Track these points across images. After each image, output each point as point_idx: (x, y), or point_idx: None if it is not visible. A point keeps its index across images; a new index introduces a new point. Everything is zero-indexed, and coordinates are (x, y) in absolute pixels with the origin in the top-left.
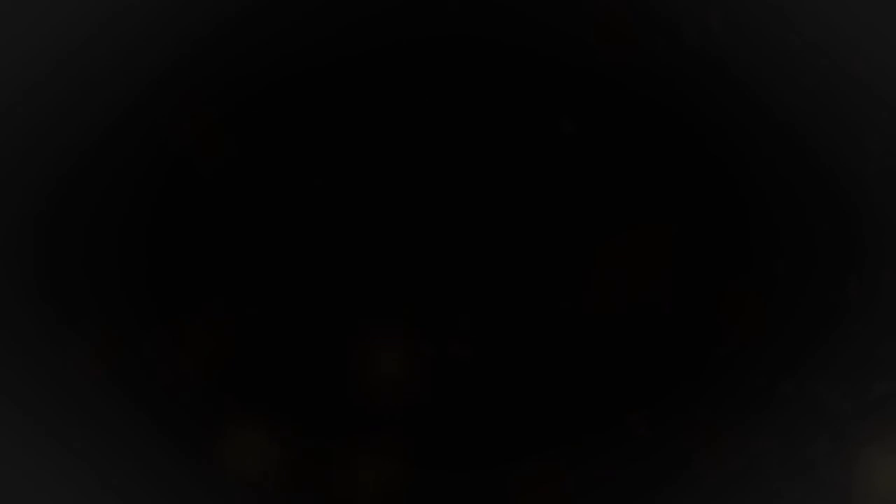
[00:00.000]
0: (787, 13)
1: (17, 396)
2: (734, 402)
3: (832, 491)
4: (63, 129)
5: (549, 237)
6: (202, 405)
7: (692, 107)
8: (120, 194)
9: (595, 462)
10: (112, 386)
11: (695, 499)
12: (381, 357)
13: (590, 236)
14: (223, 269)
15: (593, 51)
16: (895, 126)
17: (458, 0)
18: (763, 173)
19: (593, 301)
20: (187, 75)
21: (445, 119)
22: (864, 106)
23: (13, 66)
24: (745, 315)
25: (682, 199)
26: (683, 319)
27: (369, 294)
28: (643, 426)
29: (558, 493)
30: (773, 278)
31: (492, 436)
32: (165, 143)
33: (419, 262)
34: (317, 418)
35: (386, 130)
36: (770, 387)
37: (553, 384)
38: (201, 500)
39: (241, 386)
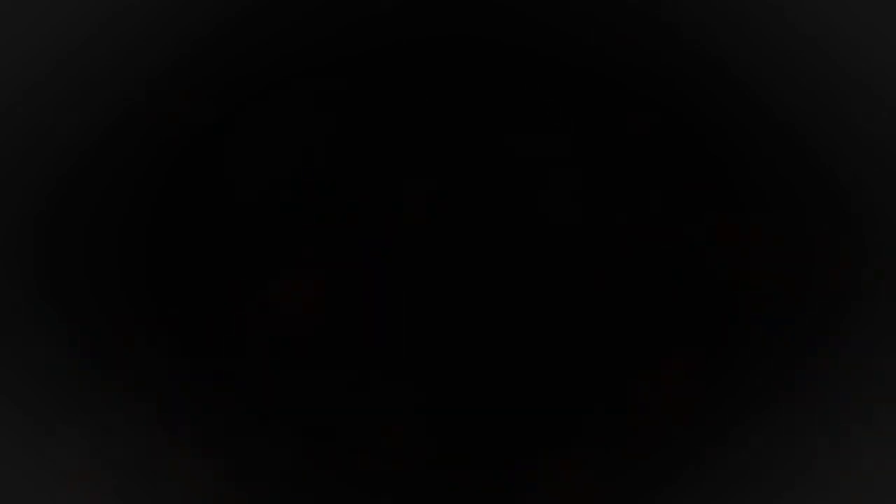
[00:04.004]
0: (787, 13)
1: (17, 396)
2: (734, 402)
3: (832, 491)
4: (63, 129)
5: (546, 239)
6: (201, 404)
7: (692, 107)
8: (120, 194)
9: (595, 462)
10: (112, 386)
11: (695, 499)
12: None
13: (588, 239)
14: (222, 269)
15: (593, 51)
16: (895, 126)
17: (458, 0)
18: (763, 173)
19: (589, 303)
20: (187, 75)
21: (444, 119)
22: (864, 106)
23: (13, 66)
24: (744, 315)
25: (681, 199)
26: (683, 318)
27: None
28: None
29: (557, 495)
30: (773, 278)
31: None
32: (165, 142)
33: (432, 313)
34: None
35: (385, 129)
36: (770, 387)
37: (550, 389)
38: (202, 499)
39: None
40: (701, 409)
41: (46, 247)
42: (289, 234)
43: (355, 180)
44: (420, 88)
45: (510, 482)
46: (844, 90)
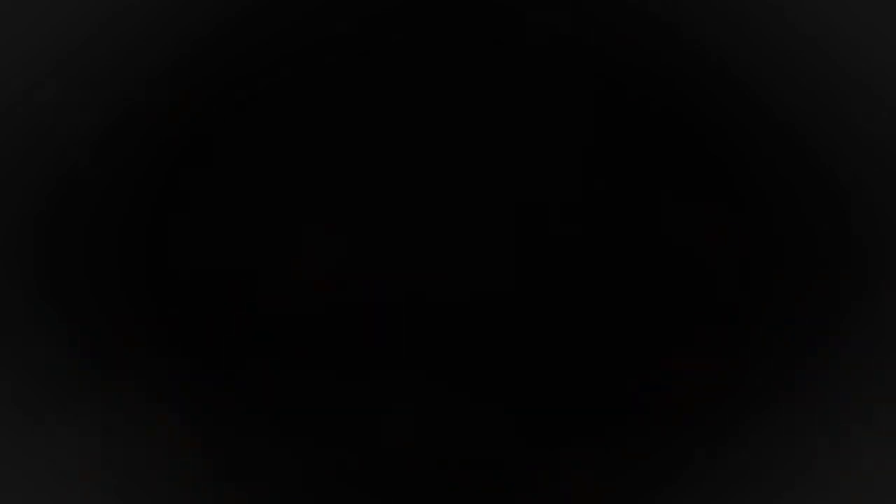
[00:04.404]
0: (787, 13)
1: (16, 396)
2: (734, 402)
3: (832, 491)
4: (62, 129)
5: (546, 240)
6: (202, 403)
7: (692, 107)
8: (120, 194)
9: (595, 462)
10: (112, 386)
11: (695, 499)
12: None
13: (589, 239)
14: (222, 269)
15: (594, 50)
16: (895, 126)
17: (458, 0)
18: (763, 173)
19: (590, 304)
20: (187, 75)
21: (444, 117)
22: (864, 106)
23: (13, 66)
24: (745, 315)
25: (681, 199)
26: (683, 318)
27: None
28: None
29: (557, 495)
30: (773, 278)
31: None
32: (165, 142)
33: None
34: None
35: (384, 129)
36: (770, 387)
37: (547, 392)
38: (202, 499)
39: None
40: (701, 409)
41: (46, 247)
42: (288, 234)
43: (354, 181)
44: (420, 86)
45: (510, 482)
46: (844, 90)
